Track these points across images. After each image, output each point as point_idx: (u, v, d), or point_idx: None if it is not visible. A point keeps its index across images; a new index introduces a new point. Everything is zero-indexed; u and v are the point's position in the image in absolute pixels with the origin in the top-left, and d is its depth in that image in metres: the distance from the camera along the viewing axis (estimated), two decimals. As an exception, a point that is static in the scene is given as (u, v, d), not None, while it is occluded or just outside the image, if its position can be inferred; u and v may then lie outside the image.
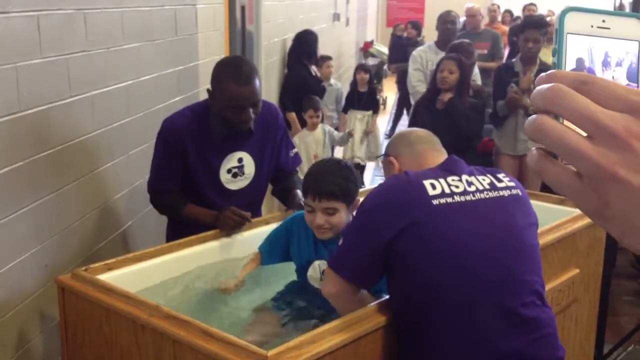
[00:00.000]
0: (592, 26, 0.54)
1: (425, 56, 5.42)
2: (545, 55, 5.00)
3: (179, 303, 2.38)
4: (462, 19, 8.14)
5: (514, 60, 4.91)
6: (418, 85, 5.34)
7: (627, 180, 0.48)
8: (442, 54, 5.20)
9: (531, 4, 10.14)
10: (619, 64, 0.54)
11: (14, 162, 2.38)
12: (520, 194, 2.14)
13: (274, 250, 2.60)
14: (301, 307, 2.45)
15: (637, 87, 0.54)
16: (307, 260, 2.47)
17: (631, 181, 0.48)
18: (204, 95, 4.22)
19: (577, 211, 2.94)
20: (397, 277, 2.02)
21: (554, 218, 2.82)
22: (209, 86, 2.89)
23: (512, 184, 2.14)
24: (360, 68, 7.07)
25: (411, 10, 14.02)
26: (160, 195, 2.89)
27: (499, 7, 9.70)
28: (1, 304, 2.36)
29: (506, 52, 7.37)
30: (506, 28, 8.87)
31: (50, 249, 2.62)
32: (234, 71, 2.69)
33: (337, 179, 2.34)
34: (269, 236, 2.63)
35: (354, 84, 6.91)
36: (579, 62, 0.54)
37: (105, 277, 2.28)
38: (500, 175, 2.16)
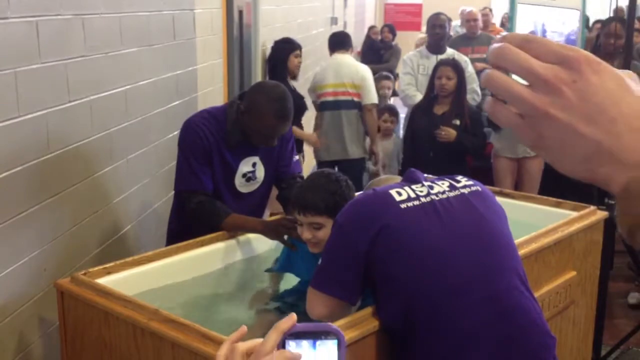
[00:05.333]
0: None
1: (416, 61, 5.41)
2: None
3: (178, 306, 2.39)
4: (455, 22, 8.13)
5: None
6: (407, 88, 5.32)
7: (556, 117, 0.60)
8: (433, 58, 5.20)
9: (528, 7, 10.17)
10: (563, 30, 0.64)
11: (13, 167, 2.39)
12: (480, 189, 2.20)
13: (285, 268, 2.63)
14: (302, 310, 2.46)
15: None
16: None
17: (559, 117, 0.60)
18: (202, 100, 4.24)
19: (574, 214, 2.95)
20: (380, 284, 2.04)
21: (550, 220, 2.83)
22: (235, 99, 2.87)
23: (470, 182, 2.22)
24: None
25: (408, 14, 14.03)
26: (196, 197, 2.78)
27: (491, 10, 9.73)
28: (0, 308, 2.37)
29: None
30: (502, 31, 8.89)
31: (49, 253, 2.63)
32: (280, 107, 2.74)
33: (322, 193, 2.32)
34: (280, 261, 2.65)
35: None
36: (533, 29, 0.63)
37: (104, 281, 2.29)
38: (458, 177, 2.24)
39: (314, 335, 0.84)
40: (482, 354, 1.97)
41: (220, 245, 2.73)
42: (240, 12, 5.38)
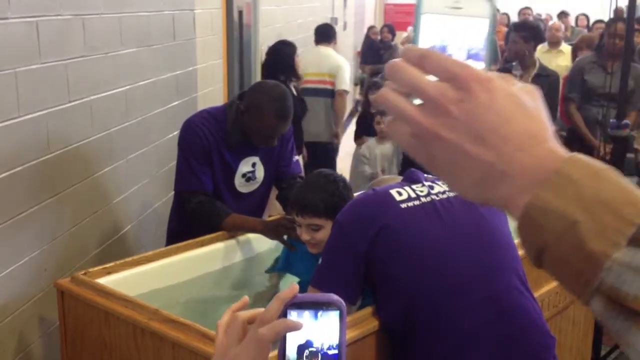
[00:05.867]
0: (446, 6, 0.61)
1: None
2: (545, 59, 5.02)
3: (178, 306, 2.39)
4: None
5: (513, 63, 4.93)
6: None
7: (445, 138, 0.58)
8: None
9: (526, 7, 10.18)
10: (469, 42, 0.61)
11: (13, 167, 2.39)
12: None
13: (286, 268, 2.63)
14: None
15: (484, 59, 0.62)
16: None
17: (448, 138, 0.58)
18: (202, 100, 4.24)
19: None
20: (380, 284, 2.05)
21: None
22: (235, 99, 2.87)
23: None
24: (374, 87, 5.47)
25: (408, 15, 14.01)
26: (196, 197, 2.78)
27: (498, 10, 9.72)
28: (1, 308, 2.37)
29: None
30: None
31: (49, 253, 2.63)
32: (279, 107, 2.74)
33: (321, 194, 2.30)
34: (280, 261, 2.65)
35: (365, 104, 5.63)
36: (439, 40, 0.62)
37: (104, 280, 2.29)
38: None
39: (316, 306, 0.84)
40: (482, 354, 1.97)
41: (220, 245, 2.73)
42: (240, 13, 5.38)
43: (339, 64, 5.88)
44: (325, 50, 5.97)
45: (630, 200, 0.55)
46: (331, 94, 5.79)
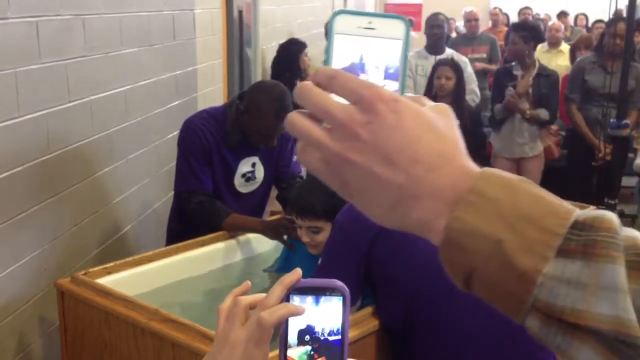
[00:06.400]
0: (359, 27, 0.60)
1: (414, 62, 5.40)
2: (544, 59, 5.02)
3: (178, 306, 2.39)
4: (459, 22, 8.13)
5: (513, 63, 4.93)
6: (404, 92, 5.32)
7: (355, 162, 0.55)
8: (432, 58, 5.20)
9: (526, 7, 10.17)
10: (384, 63, 0.60)
11: (13, 167, 2.39)
12: None
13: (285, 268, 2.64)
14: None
15: (399, 79, 0.60)
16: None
17: (358, 162, 0.55)
18: (202, 100, 4.24)
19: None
20: (380, 284, 2.05)
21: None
22: (235, 99, 2.87)
23: None
24: None
25: (408, 14, 14.03)
26: (196, 197, 2.79)
27: (500, 10, 9.70)
28: (1, 308, 2.37)
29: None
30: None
31: (49, 253, 2.63)
32: (279, 107, 2.73)
33: (320, 196, 2.27)
34: (279, 261, 2.65)
35: None
36: (353, 62, 0.60)
37: (104, 280, 2.29)
38: None
39: (319, 291, 0.84)
40: (482, 354, 1.97)
41: (220, 245, 2.73)
42: (240, 12, 5.38)
43: None
44: None
45: (551, 210, 0.53)
46: None
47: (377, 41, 0.60)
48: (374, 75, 0.60)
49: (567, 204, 0.55)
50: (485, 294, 0.56)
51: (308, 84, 0.57)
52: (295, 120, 0.57)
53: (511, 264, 0.52)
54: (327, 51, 0.60)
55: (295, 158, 3.08)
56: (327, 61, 0.60)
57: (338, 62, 0.60)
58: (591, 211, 0.55)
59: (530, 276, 0.52)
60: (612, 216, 0.53)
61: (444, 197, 0.55)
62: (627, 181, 5.28)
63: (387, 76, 0.60)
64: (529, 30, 4.90)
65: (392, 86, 0.60)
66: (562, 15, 10.15)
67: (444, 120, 0.57)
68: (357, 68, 0.60)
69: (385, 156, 0.55)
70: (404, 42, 0.60)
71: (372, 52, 0.60)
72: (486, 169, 0.56)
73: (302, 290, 0.84)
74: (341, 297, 0.83)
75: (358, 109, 0.55)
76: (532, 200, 0.54)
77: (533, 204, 0.54)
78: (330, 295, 0.83)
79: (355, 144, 0.55)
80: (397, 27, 0.60)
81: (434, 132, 0.56)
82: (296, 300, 0.83)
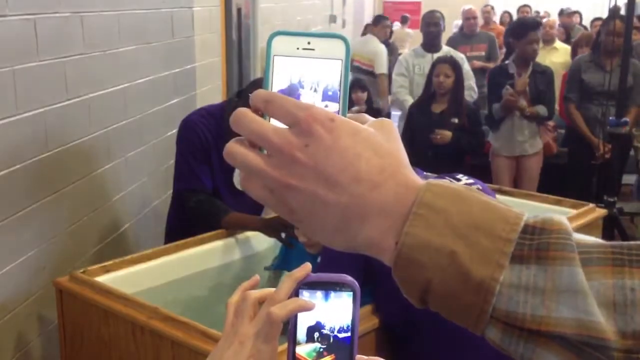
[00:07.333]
0: (298, 48, 0.59)
1: (411, 60, 5.38)
2: (539, 56, 5.02)
3: (177, 305, 2.38)
4: (458, 21, 8.12)
5: (507, 62, 4.92)
6: (399, 92, 5.29)
7: (297, 187, 0.54)
8: (429, 56, 5.19)
9: (525, 5, 10.16)
10: (323, 84, 0.59)
11: (11, 165, 2.38)
12: (480, 188, 2.18)
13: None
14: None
15: (339, 102, 0.59)
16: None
17: (300, 187, 0.54)
18: (201, 97, 4.23)
19: (573, 211, 2.95)
20: (379, 283, 2.04)
21: (550, 218, 2.82)
22: (231, 95, 2.87)
23: (470, 180, 2.21)
24: (356, 85, 5.94)
25: (407, 12, 14.02)
26: (196, 196, 2.79)
27: (492, 8, 9.69)
28: (-1, 307, 2.37)
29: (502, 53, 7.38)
30: (503, 29, 8.87)
31: (48, 251, 2.63)
32: None
33: None
34: (278, 259, 2.65)
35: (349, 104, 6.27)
36: (292, 83, 0.59)
37: (103, 279, 2.28)
38: (459, 175, 2.23)
39: (329, 286, 0.82)
40: (482, 353, 1.97)
41: (219, 243, 2.73)
42: (239, 10, 5.38)
43: (376, 50, 6.58)
44: (370, 37, 6.78)
45: (500, 216, 0.52)
46: (370, 73, 6.35)
47: (317, 62, 0.59)
48: (313, 97, 0.59)
49: (515, 209, 0.54)
50: (442, 308, 0.55)
51: (243, 109, 0.56)
52: (233, 149, 0.56)
53: (467, 275, 0.51)
54: (266, 74, 0.59)
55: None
56: (265, 84, 0.58)
57: (277, 84, 0.59)
58: (541, 215, 0.53)
59: (487, 285, 0.51)
60: (561, 218, 0.53)
61: (390, 212, 0.54)
62: (627, 179, 5.28)
63: (326, 97, 0.59)
64: (513, 29, 4.96)
65: (333, 107, 0.58)
66: (572, 14, 9.97)
67: (384, 136, 0.56)
68: (296, 90, 0.59)
69: (326, 178, 0.53)
70: (343, 62, 0.59)
71: (311, 74, 0.59)
72: (430, 180, 0.55)
73: (312, 285, 0.82)
74: (351, 293, 0.81)
75: (294, 132, 0.54)
76: (480, 208, 0.53)
77: (481, 212, 0.52)
78: (340, 290, 0.82)
79: (295, 169, 0.54)
80: (337, 47, 0.59)
81: (372, 149, 0.54)
82: (305, 295, 0.82)
